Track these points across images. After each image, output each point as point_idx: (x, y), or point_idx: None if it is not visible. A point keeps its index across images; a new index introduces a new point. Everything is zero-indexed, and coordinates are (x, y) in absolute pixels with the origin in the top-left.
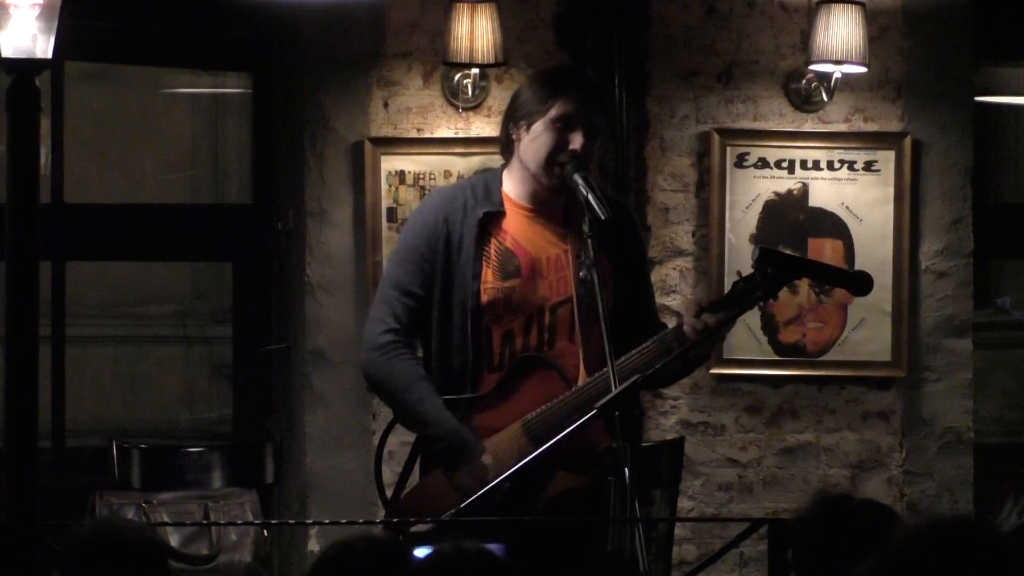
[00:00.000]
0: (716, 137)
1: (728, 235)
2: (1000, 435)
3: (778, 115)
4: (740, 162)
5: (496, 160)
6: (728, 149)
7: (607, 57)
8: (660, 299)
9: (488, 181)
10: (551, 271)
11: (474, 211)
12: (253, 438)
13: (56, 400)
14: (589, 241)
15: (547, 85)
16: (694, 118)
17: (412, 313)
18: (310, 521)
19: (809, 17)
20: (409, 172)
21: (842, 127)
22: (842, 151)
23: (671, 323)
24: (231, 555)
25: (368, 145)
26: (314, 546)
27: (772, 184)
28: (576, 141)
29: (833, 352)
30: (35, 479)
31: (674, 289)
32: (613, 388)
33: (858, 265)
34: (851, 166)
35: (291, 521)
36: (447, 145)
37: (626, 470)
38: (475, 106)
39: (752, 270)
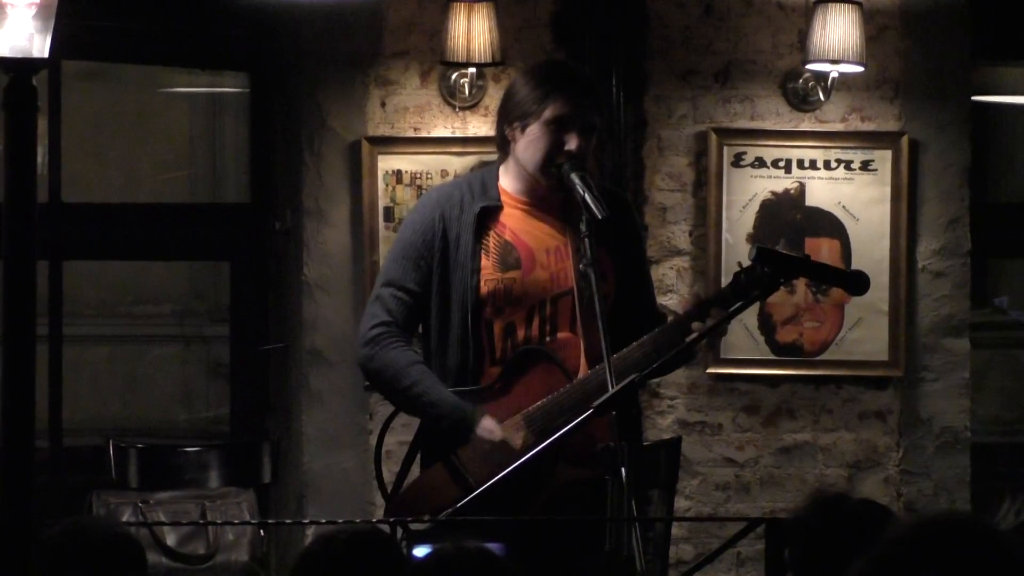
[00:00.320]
0: (713, 136)
1: (725, 234)
2: (997, 435)
3: (775, 114)
4: (737, 161)
5: (492, 159)
6: (725, 148)
7: (604, 56)
8: (657, 298)
9: (484, 177)
10: (551, 263)
11: (471, 207)
12: (250, 437)
13: (53, 399)
14: (586, 240)
15: (539, 85)
16: (691, 117)
17: (406, 308)
18: (307, 521)
19: (806, 17)
20: (406, 171)
21: (839, 126)
22: (839, 150)
23: (671, 316)
24: (228, 555)
25: (365, 144)
26: None
27: (769, 183)
28: (572, 142)
29: (830, 352)
30: (32, 478)
31: (671, 288)
32: (610, 387)
33: (855, 265)
34: (848, 165)
35: (288, 521)
36: (444, 144)
37: (623, 470)
38: (472, 105)
39: (752, 262)
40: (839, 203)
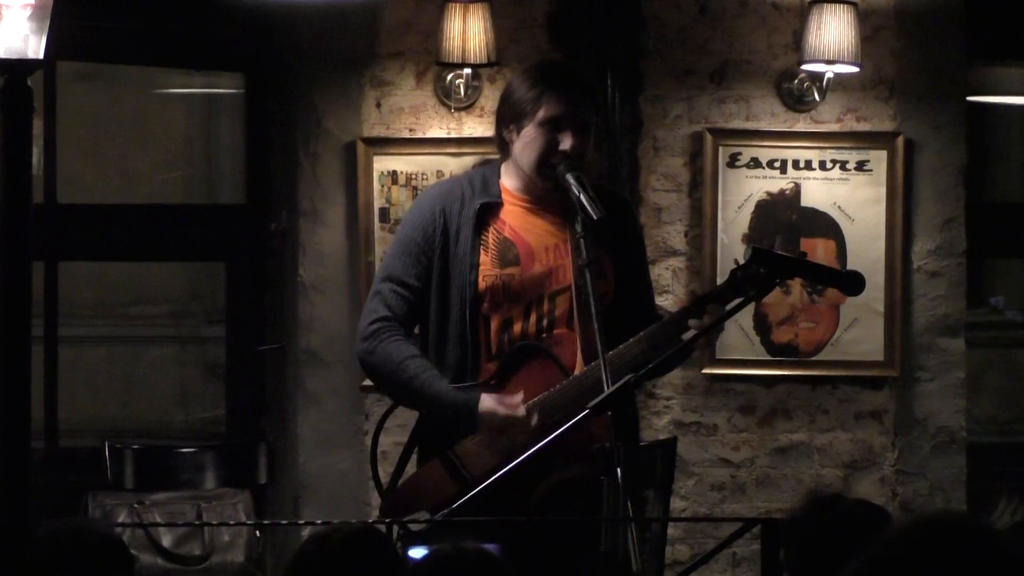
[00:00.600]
0: (709, 137)
1: (721, 235)
2: (993, 434)
3: (770, 115)
4: (733, 162)
5: (489, 160)
6: (721, 149)
7: (600, 57)
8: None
9: (486, 174)
10: (550, 259)
11: (472, 202)
12: (246, 438)
13: (49, 400)
14: (582, 241)
15: (534, 86)
16: (687, 118)
17: (406, 303)
18: (303, 521)
19: (801, 17)
20: (401, 172)
21: (834, 127)
22: (834, 151)
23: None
24: (224, 555)
25: (361, 145)
26: None
27: (764, 184)
28: (566, 142)
29: (826, 352)
30: (28, 480)
31: (667, 289)
32: (606, 388)
33: (850, 265)
34: (843, 166)
35: (284, 521)
36: (439, 145)
37: (619, 470)
38: (467, 106)
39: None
40: (835, 203)
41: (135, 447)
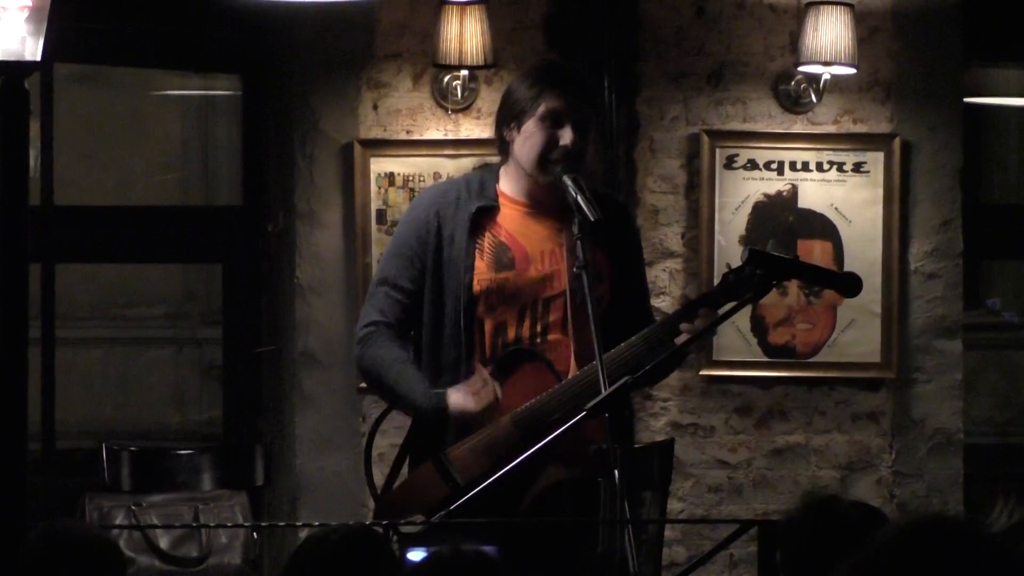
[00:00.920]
0: (705, 138)
1: (717, 236)
2: (990, 436)
3: (767, 116)
4: (729, 163)
5: (486, 161)
6: (717, 150)
7: (597, 58)
8: (650, 300)
9: (483, 177)
10: (545, 264)
11: (467, 205)
12: (243, 440)
13: (46, 402)
14: (579, 243)
15: (534, 83)
16: (684, 119)
17: (401, 307)
18: (300, 523)
19: (798, 18)
20: (398, 174)
21: (831, 128)
22: (831, 152)
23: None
24: (221, 557)
25: (358, 147)
26: None
27: (761, 185)
28: (566, 137)
29: (823, 353)
30: (24, 481)
31: (664, 290)
32: (603, 390)
33: (847, 266)
34: (840, 167)
35: (281, 523)
36: (436, 147)
37: (616, 471)
38: (464, 108)
39: (742, 264)
40: (831, 205)
41: (132, 449)
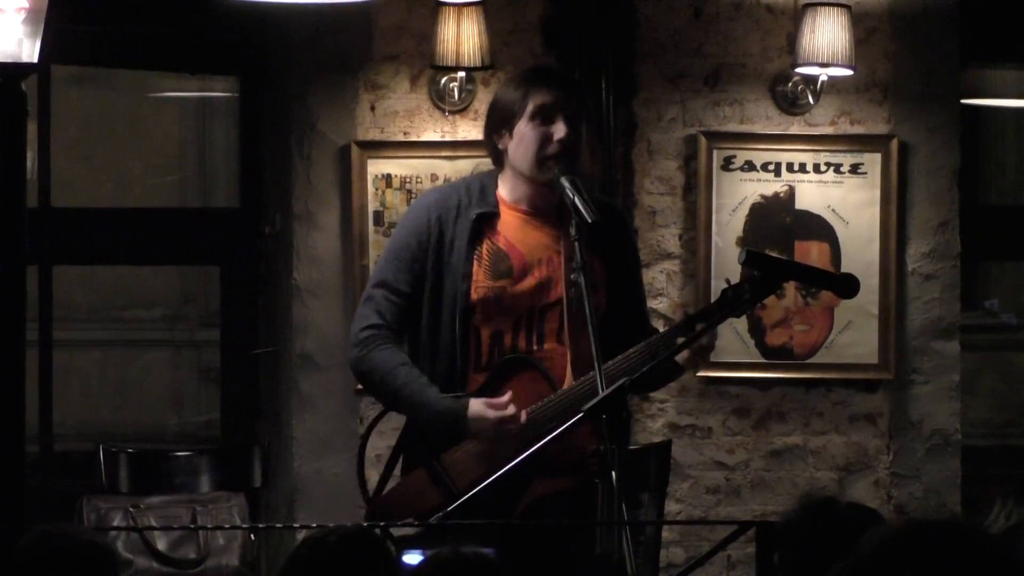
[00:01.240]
0: (703, 140)
1: (715, 238)
2: (988, 437)
3: (764, 118)
4: (727, 165)
5: (483, 163)
6: (715, 152)
7: (594, 60)
8: (647, 302)
9: (484, 182)
10: (543, 273)
11: (468, 211)
12: (241, 442)
13: (43, 404)
14: (577, 244)
15: (520, 84)
16: (681, 121)
17: (398, 310)
18: (298, 525)
19: (795, 20)
20: (396, 176)
21: (828, 130)
22: (828, 154)
23: (661, 328)
24: (219, 559)
25: (355, 149)
26: None
27: (759, 187)
28: (559, 131)
29: (820, 355)
30: (22, 483)
31: (661, 292)
32: (600, 391)
33: (845, 268)
34: (837, 169)
35: (279, 525)
36: (434, 149)
37: (613, 473)
38: (462, 109)
39: (740, 278)
40: (829, 206)
41: (129, 451)
